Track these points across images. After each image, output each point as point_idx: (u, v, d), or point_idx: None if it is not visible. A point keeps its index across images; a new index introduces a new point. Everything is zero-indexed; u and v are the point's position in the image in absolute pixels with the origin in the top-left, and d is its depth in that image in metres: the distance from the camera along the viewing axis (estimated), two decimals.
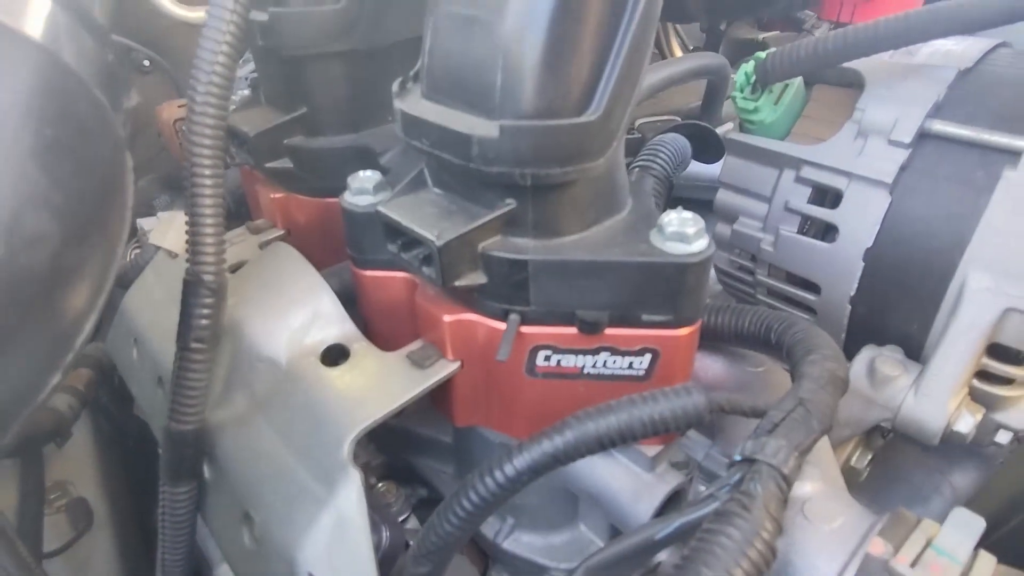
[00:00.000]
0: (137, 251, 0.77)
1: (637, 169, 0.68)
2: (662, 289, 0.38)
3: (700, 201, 0.66)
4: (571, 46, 0.34)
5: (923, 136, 0.50)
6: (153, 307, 0.59)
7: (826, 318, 0.58)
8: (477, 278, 0.39)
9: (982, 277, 0.47)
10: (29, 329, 0.28)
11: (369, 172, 0.46)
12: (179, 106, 1.02)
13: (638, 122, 0.88)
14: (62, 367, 0.31)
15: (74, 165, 0.29)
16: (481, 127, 0.35)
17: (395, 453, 0.59)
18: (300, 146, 0.57)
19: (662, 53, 1.29)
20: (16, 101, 0.28)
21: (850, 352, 0.56)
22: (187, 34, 1.18)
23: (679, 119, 0.88)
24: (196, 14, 1.08)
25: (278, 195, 0.61)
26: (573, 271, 0.38)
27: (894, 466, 0.64)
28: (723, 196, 0.63)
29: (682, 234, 0.38)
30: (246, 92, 0.64)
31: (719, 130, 0.80)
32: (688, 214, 0.39)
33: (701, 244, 0.38)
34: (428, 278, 0.40)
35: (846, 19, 0.59)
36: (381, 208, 0.41)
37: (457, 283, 0.39)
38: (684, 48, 1.28)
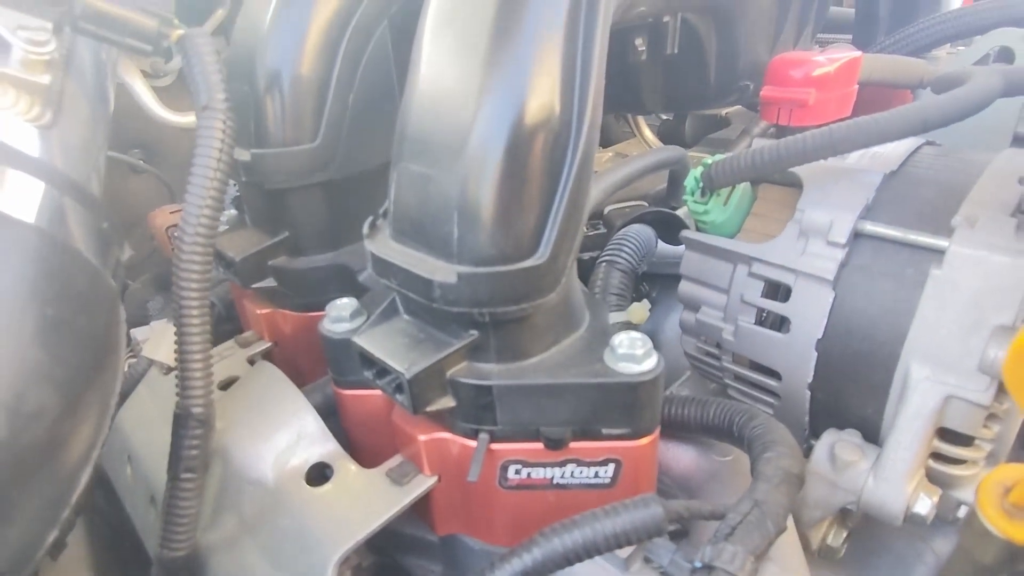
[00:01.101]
0: (132, 361, 0.80)
1: (604, 264, 0.72)
2: (618, 406, 0.41)
3: (672, 276, 0.71)
4: (517, 202, 0.38)
5: (857, 236, 0.54)
6: (146, 425, 0.62)
7: (789, 403, 0.60)
8: (447, 403, 0.42)
9: (922, 367, 0.50)
10: (29, 496, 0.30)
11: (346, 300, 0.50)
12: (171, 212, 1.07)
13: (607, 209, 0.93)
14: (59, 523, 0.33)
15: (74, 339, 0.33)
16: (441, 272, 0.39)
17: (385, 553, 0.61)
18: (283, 267, 0.61)
19: (632, 132, 1.36)
20: (19, 287, 0.31)
21: (817, 432, 0.59)
22: (179, 137, 1.24)
23: (646, 204, 0.93)
24: (186, 119, 1.14)
25: (264, 311, 0.64)
26: (535, 393, 0.41)
27: (875, 537, 0.66)
28: (685, 287, 0.67)
29: (632, 355, 0.41)
30: (232, 212, 0.68)
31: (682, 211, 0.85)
32: (637, 335, 0.42)
33: (650, 363, 0.41)
34: (401, 404, 0.43)
35: (783, 122, 0.64)
36: (356, 339, 0.44)
37: (428, 409, 0.42)
38: (652, 127, 1.35)
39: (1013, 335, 0.45)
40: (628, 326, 0.67)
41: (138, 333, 0.79)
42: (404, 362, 0.41)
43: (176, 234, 0.46)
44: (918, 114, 0.52)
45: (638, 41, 0.76)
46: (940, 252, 0.49)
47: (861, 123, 0.52)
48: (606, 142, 1.45)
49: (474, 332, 0.41)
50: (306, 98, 0.56)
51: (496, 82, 0.38)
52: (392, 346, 0.43)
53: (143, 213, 1.17)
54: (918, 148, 0.58)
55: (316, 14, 0.57)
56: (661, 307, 0.87)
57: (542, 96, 0.38)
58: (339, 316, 0.49)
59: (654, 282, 0.89)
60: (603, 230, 0.78)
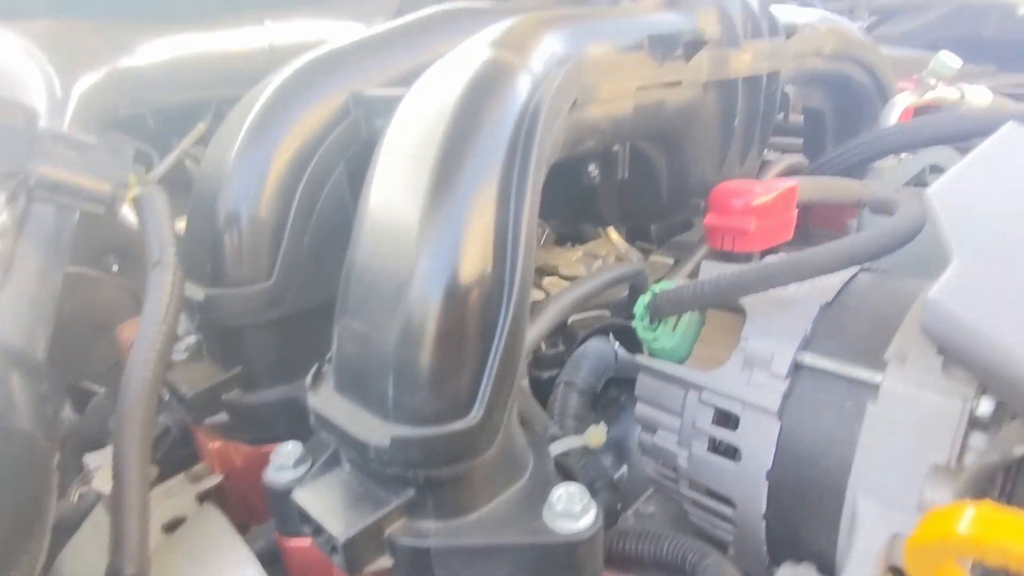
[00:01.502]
0: (84, 490, 0.78)
1: (562, 385, 0.73)
2: (557, 564, 0.41)
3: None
4: (450, 361, 0.39)
5: (798, 367, 0.55)
6: (86, 569, 0.59)
7: (746, 531, 0.60)
8: (384, 562, 0.42)
9: (868, 502, 0.50)
10: None
11: (291, 446, 0.49)
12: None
13: (571, 319, 0.94)
14: None
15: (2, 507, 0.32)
16: (376, 434, 0.39)
17: None
18: (236, 401, 0.61)
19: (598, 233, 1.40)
20: None
21: (777, 560, 0.58)
22: None
23: (609, 313, 0.94)
24: None
25: (216, 444, 0.63)
26: (472, 554, 0.41)
27: None
28: (641, 408, 0.67)
29: (570, 511, 0.41)
30: (191, 339, 0.68)
31: None
32: (575, 488, 0.42)
33: (588, 520, 0.41)
34: (336, 564, 0.42)
35: (728, 248, 0.67)
36: (294, 496, 0.44)
37: (365, 570, 0.41)
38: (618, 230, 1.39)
39: (950, 475, 0.45)
40: (586, 452, 0.67)
41: (91, 459, 0.77)
42: (340, 523, 0.40)
43: (119, 394, 0.46)
44: (847, 250, 0.54)
45: (591, 167, 0.80)
46: (875, 387, 0.51)
47: (794, 259, 0.54)
48: (576, 240, 1.49)
49: (411, 491, 0.41)
50: (263, 238, 0.58)
51: (431, 243, 0.40)
52: (329, 503, 0.43)
53: (112, 321, 1.17)
54: (854, 276, 0.61)
55: (278, 156, 0.60)
56: (629, 412, 0.87)
57: (475, 256, 0.40)
58: (282, 464, 0.48)
59: (622, 387, 0.90)
60: (562, 348, 0.78)
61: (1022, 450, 0.38)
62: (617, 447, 0.81)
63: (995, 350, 0.28)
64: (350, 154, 0.61)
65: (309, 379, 0.46)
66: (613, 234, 1.40)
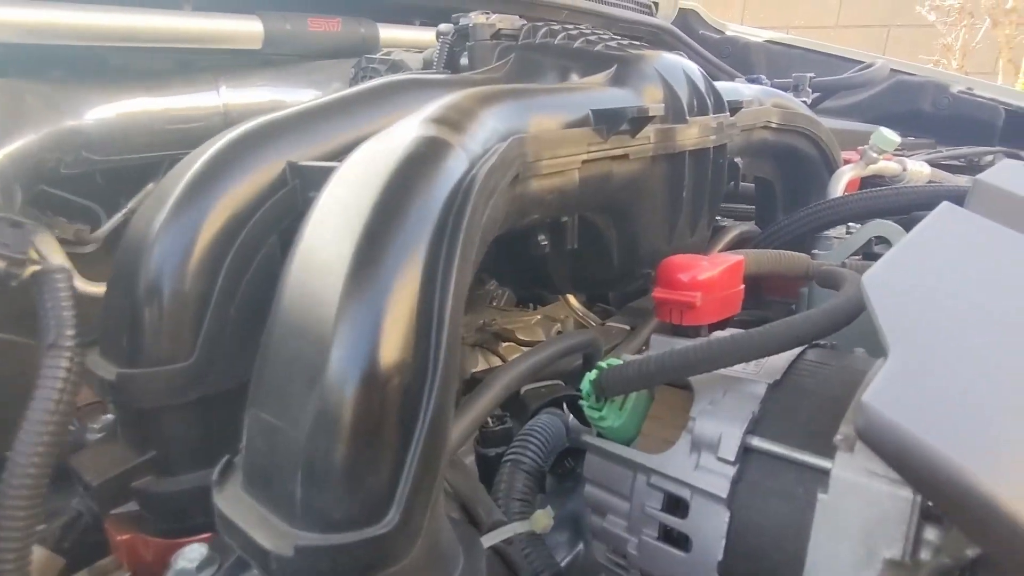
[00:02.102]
0: None
1: (508, 464, 0.69)
2: None
3: None
4: (364, 458, 0.36)
5: (747, 451, 0.53)
6: None
7: None
8: None
9: None
10: None
11: (195, 547, 0.45)
12: None
13: (523, 389, 0.91)
14: None
15: None
16: (280, 541, 0.35)
17: None
18: (147, 490, 0.56)
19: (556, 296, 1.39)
20: None
21: None
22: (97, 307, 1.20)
23: (562, 383, 0.92)
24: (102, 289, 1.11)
25: (124, 537, 0.58)
26: None
27: None
28: (590, 490, 0.64)
29: None
30: (108, 417, 0.64)
31: None
32: None
33: None
34: None
35: (676, 321, 0.66)
36: None
37: None
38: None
39: (905, 572, 0.43)
40: (532, 539, 0.63)
41: None
42: None
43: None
44: (791, 331, 0.53)
45: (540, 237, 0.79)
46: (826, 474, 0.49)
47: (738, 339, 0.53)
48: (536, 302, 1.48)
49: None
50: (185, 313, 0.55)
51: (347, 327, 0.38)
52: None
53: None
54: (802, 353, 0.60)
55: (206, 226, 0.57)
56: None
57: (395, 342, 0.38)
58: (184, 569, 0.43)
59: (578, 457, 0.86)
60: (509, 424, 0.75)
61: (975, 551, 0.36)
62: (573, 522, 0.77)
63: (931, 459, 0.26)
64: (283, 226, 0.58)
65: (216, 473, 0.42)
66: (571, 299, 1.39)
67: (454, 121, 0.51)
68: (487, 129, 0.54)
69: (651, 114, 0.68)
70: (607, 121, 0.67)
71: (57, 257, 0.99)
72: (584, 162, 0.67)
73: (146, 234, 0.57)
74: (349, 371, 0.36)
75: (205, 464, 0.57)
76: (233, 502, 0.39)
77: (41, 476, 0.41)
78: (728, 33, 2.25)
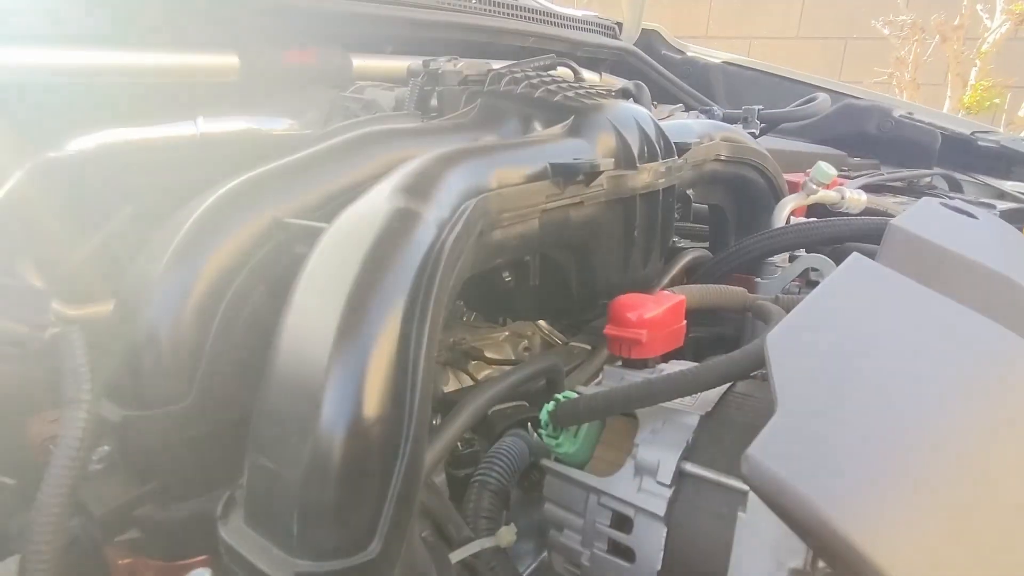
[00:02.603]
0: None
1: (476, 484, 0.76)
2: None
3: None
4: (351, 500, 0.43)
5: (682, 475, 0.61)
6: None
7: None
8: None
9: None
10: None
11: (201, 571, 0.51)
12: (51, 421, 1.04)
13: (492, 411, 0.98)
14: None
15: None
16: (281, 569, 0.42)
17: None
18: (149, 517, 0.61)
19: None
20: None
21: None
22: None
23: (527, 404, 0.99)
24: (86, 310, 1.15)
25: (126, 561, 0.63)
26: None
27: None
28: (549, 508, 0.72)
29: None
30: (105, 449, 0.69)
31: None
32: None
33: None
34: None
35: (625, 355, 0.73)
36: None
37: None
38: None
39: None
40: (497, 552, 0.71)
41: None
42: None
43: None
44: (722, 369, 0.61)
45: (505, 274, 0.87)
46: (745, 495, 0.57)
47: (673, 378, 0.61)
48: (504, 321, 1.55)
49: None
50: (182, 359, 0.61)
51: (335, 383, 0.44)
52: None
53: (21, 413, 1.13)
54: (733, 386, 0.68)
55: (202, 277, 0.63)
56: None
57: (376, 396, 0.45)
58: None
59: (542, 472, 0.94)
60: (476, 448, 0.82)
61: None
62: (539, 532, 0.85)
63: (804, 507, 0.34)
64: (271, 277, 0.64)
65: (220, 509, 0.48)
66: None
67: (422, 190, 0.58)
68: (452, 192, 0.61)
69: (602, 169, 0.76)
70: (563, 174, 0.74)
71: (35, 280, 1.03)
72: (543, 211, 0.75)
73: (144, 286, 0.62)
74: (337, 424, 0.43)
75: (202, 492, 0.63)
76: (237, 534, 0.46)
77: (64, 512, 0.47)
78: (689, 54, 2.35)
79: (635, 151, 0.87)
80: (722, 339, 1.12)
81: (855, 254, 0.67)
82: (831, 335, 0.52)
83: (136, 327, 0.61)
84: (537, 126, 0.90)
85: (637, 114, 0.92)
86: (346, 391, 0.44)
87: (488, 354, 1.25)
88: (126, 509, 0.61)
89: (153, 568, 0.63)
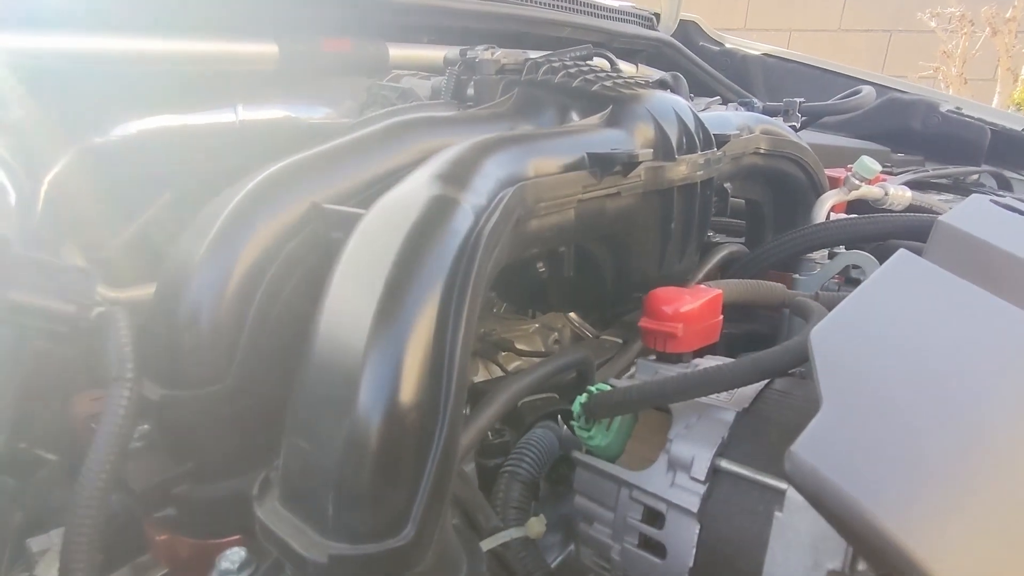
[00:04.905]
0: None
1: (506, 474, 0.76)
2: None
3: None
4: (387, 484, 0.43)
5: (716, 471, 0.60)
6: None
7: None
8: None
9: None
10: None
11: (236, 550, 0.52)
12: (93, 399, 1.07)
13: (522, 402, 0.98)
14: None
15: None
16: (316, 550, 0.42)
17: None
18: (186, 496, 0.63)
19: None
20: None
21: None
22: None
23: (557, 396, 0.99)
24: (127, 294, 1.18)
25: (163, 537, 0.65)
26: None
27: None
28: (579, 500, 0.71)
29: None
30: (146, 427, 0.70)
31: None
32: None
33: None
34: None
35: (660, 348, 0.72)
36: None
37: None
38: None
39: None
40: (526, 543, 0.70)
41: (34, 543, 0.77)
42: None
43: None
44: (759, 366, 0.59)
45: (539, 264, 0.86)
46: (782, 493, 0.56)
47: (710, 373, 0.60)
48: (533, 313, 1.54)
49: None
50: (221, 340, 0.62)
51: (373, 367, 0.44)
52: None
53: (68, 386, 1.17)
54: (770, 383, 0.67)
55: (241, 261, 0.63)
56: None
57: (414, 381, 0.44)
58: (227, 569, 0.51)
59: (571, 465, 0.93)
60: (506, 438, 0.82)
61: None
62: (565, 525, 0.85)
63: (849, 507, 0.33)
64: (308, 262, 0.65)
65: (256, 489, 0.49)
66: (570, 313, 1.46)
67: (460, 177, 0.58)
68: (490, 180, 0.61)
69: (640, 160, 0.74)
70: (600, 164, 0.74)
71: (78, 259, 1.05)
72: (580, 201, 0.74)
73: (185, 269, 0.63)
74: (374, 408, 0.43)
75: (238, 472, 0.64)
76: (272, 515, 0.46)
77: (107, 488, 0.48)
78: (727, 46, 2.30)
79: (673, 142, 0.85)
80: (755, 336, 1.10)
81: (902, 250, 0.65)
82: (878, 332, 0.51)
83: (177, 309, 0.62)
84: (574, 116, 0.89)
85: (676, 104, 0.90)
86: (384, 375, 0.44)
87: (518, 345, 1.25)
88: (164, 487, 0.62)
89: (188, 545, 0.64)
